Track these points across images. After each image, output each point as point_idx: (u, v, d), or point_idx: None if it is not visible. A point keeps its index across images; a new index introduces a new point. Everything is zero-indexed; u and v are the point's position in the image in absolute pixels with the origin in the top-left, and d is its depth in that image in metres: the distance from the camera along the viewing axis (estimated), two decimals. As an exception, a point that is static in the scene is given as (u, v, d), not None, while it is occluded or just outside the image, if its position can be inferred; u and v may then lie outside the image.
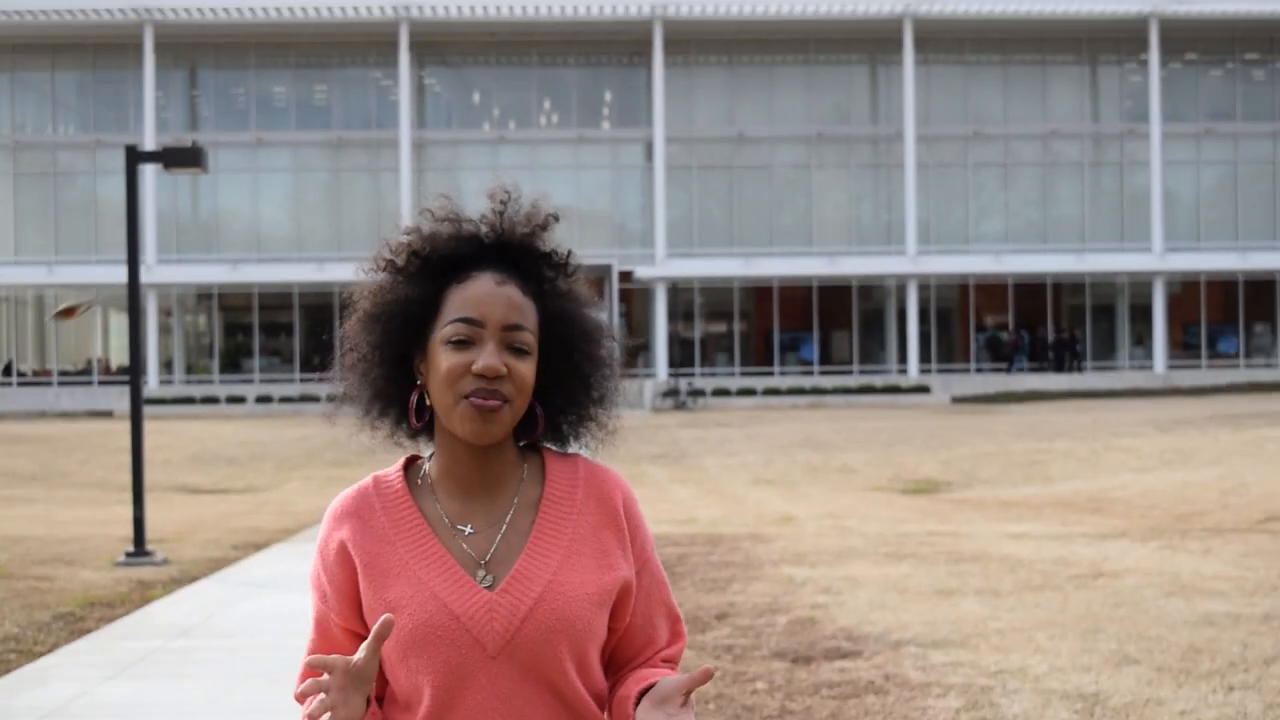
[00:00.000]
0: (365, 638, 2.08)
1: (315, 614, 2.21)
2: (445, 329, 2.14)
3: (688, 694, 2.06)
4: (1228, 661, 7.78)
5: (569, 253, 2.27)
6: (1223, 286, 52.60)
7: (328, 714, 2.00)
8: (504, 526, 2.17)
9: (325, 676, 2.01)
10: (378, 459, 2.29)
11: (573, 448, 2.33)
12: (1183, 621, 9.04)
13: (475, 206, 2.29)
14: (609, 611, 2.19)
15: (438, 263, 2.18)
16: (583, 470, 2.28)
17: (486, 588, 2.11)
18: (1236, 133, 52.95)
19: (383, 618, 2.00)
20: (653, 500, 19.57)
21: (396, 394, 2.21)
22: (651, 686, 2.12)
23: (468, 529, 2.16)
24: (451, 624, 2.07)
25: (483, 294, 2.14)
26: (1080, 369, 50.70)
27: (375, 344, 2.18)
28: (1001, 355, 52.08)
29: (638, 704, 2.12)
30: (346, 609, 2.17)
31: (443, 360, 2.12)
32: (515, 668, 2.09)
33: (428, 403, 2.19)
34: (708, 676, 2.03)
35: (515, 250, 2.22)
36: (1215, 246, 52.08)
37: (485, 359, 2.10)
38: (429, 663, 2.07)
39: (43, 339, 53.99)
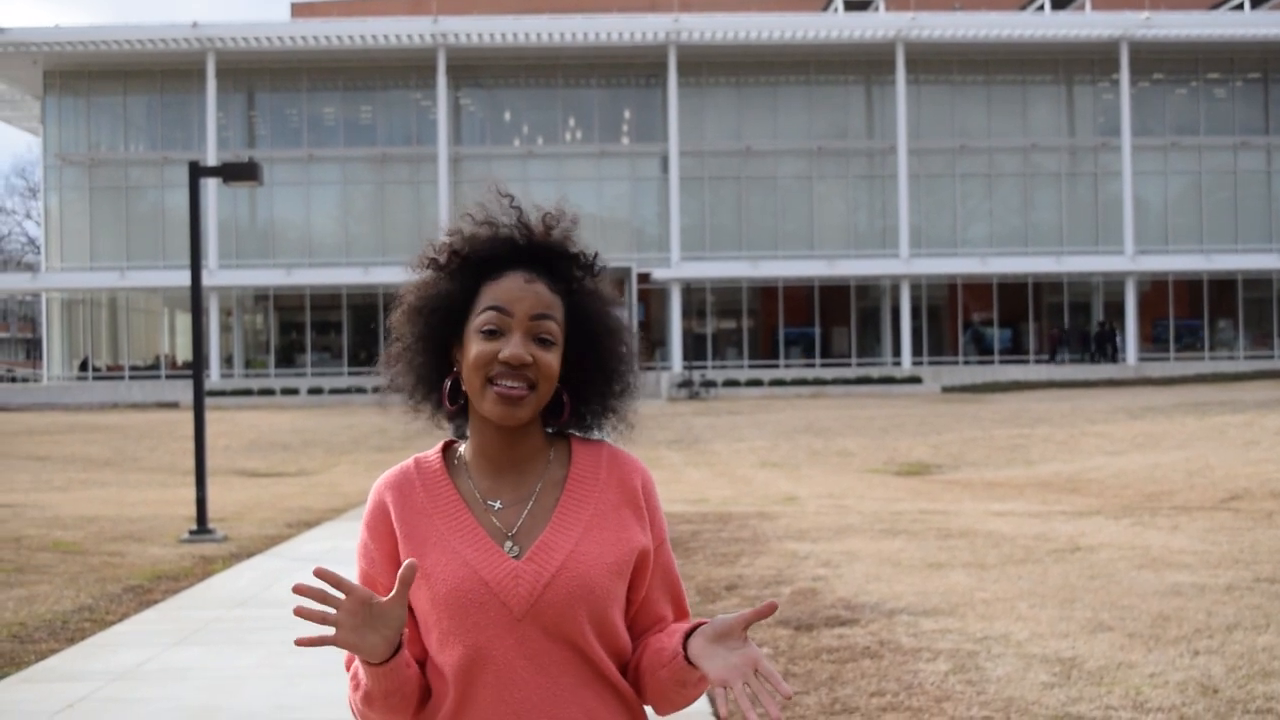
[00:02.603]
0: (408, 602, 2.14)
1: (360, 578, 2.21)
2: (478, 318, 2.15)
3: (747, 627, 2.03)
4: (1193, 628, 7.73)
5: (595, 254, 2.28)
6: (1189, 286, 52.42)
7: (333, 631, 2.02)
8: (530, 503, 2.18)
9: (336, 594, 2.02)
10: (418, 444, 2.32)
11: (595, 435, 2.31)
12: (1152, 592, 8.99)
13: (508, 215, 2.29)
14: (627, 580, 2.19)
15: (476, 261, 2.19)
16: (606, 454, 2.27)
17: (514, 557, 2.11)
18: (1200, 145, 52.76)
19: (406, 562, 2.00)
20: (668, 482, 19.55)
21: (437, 381, 2.22)
22: (697, 627, 2.10)
23: (497, 504, 2.17)
24: (481, 589, 2.08)
25: (513, 288, 2.16)
26: (1118, 360, 50.37)
27: (418, 334, 2.20)
28: (987, 349, 51.94)
29: (687, 642, 2.09)
30: (391, 571, 2.16)
31: (474, 347, 2.14)
32: (540, 630, 2.09)
33: (462, 387, 2.20)
34: (772, 609, 1.98)
35: (545, 251, 2.23)
36: (1182, 249, 51.90)
37: (511, 348, 2.11)
38: (461, 624, 2.08)
39: (116, 337, 54.17)
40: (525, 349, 2.12)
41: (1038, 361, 51.22)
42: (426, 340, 2.20)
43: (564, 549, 2.12)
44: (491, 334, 2.13)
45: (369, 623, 2.02)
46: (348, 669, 2.19)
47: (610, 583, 2.13)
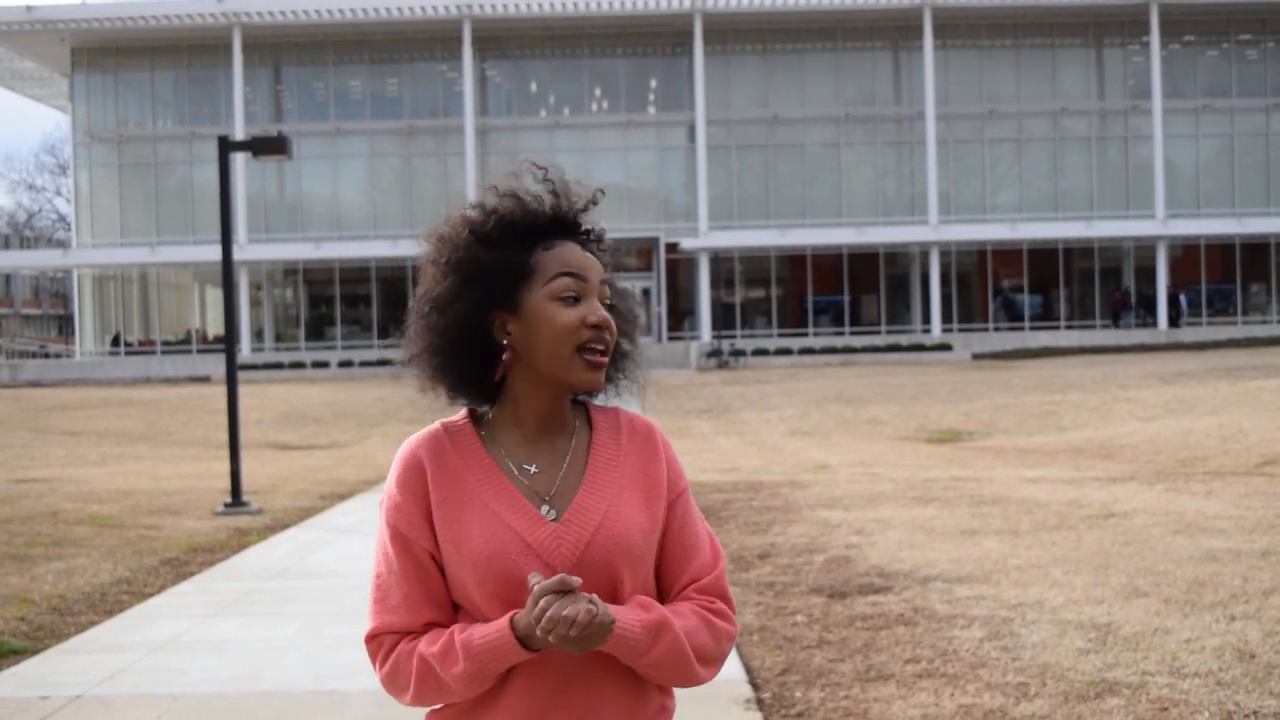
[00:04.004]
0: (440, 561, 2.16)
1: (390, 537, 2.19)
2: (553, 284, 2.15)
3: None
4: (1229, 594, 7.70)
5: (603, 230, 2.32)
6: (1221, 250, 52.06)
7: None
8: (563, 467, 2.20)
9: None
10: (450, 415, 2.29)
11: (621, 392, 2.33)
12: (1187, 557, 8.95)
13: (539, 187, 2.29)
14: (659, 537, 2.22)
15: (521, 230, 2.19)
16: (624, 418, 2.30)
17: (551, 520, 2.14)
18: (1232, 108, 52.30)
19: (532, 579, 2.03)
20: (698, 451, 19.55)
21: (473, 354, 2.20)
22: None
23: (532, 469, 2.19)
24: (524, 550, 2.10)
25: (578, 255, 2.19)
26: (1182, 324, 50.04)
27: (468, 307, 2.17)
28: (1017, 315, 51.73)
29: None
30: (427, 530, 2.17)
31: (556, 314, 2.14)
32: (580, 588, 2.09)
33: (507, 359, 2.19)
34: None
35: (572, 224, 2.25)
36: (1214, 213, 51.54)
37: (599, 311, 2.16)
38: (505, 585, 2.10)
39: (147, 312, 54.46)
40: (605, 313, 2.17)
41: (1068, 328, 51.00)
42: (475, 312, 2.17)
43: (599, 510, 2.16)
44: (569, 301, 2.15)
45: None
46: (382, 654, 2.16)
47: (645, 541, 2.18)
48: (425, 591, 2.17)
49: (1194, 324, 50.78)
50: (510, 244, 2.18)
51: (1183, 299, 50.45)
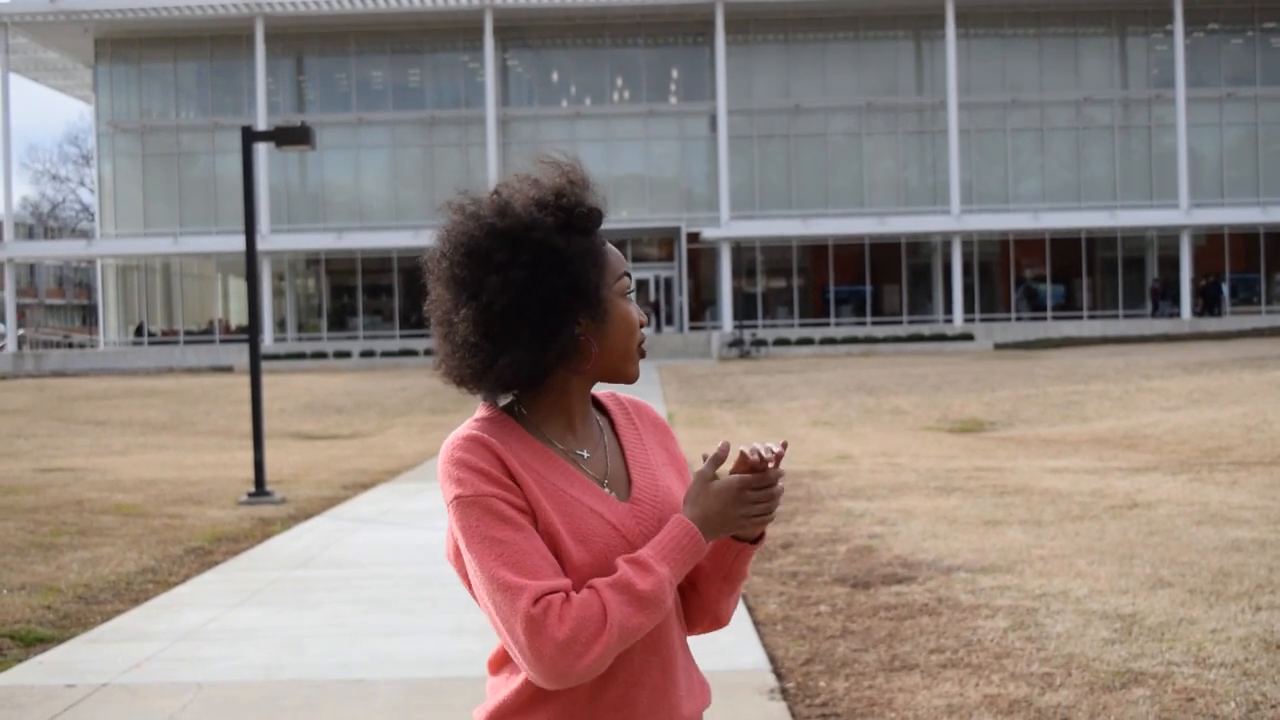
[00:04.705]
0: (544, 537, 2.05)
1: (499, 514, 2.03)
2: (620, 283, 2.17)
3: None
4: (1255, 584, 7.67)
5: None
6: (1245, 239, 51.78)
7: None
8: (604, 451, 2.23)
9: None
10: (473, 405, 2.25)
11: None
12: (1212, 548, 8.92)
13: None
14: None
15: (595, 223, 2.17)
16: (625, 399, 2.35)
17: (618, 500, 2.17)
18: (1256, 96, 52.00)
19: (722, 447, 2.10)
20: (719, 441, 19.52)
21: (550, 345, 2.10)
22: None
23: (584, 454, 2.20)
24: (610, 531, 2.11)
25: (618, 253, 2.21)
26: (1221, 314, 49.81)
27: (549, 294, 2.08)
28: (1040, 305, 51.57)
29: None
30: (527, 503, 2.07)
31: (629, 313, 2.17)
32: None
33: (595, 351, 2.15)
34: (725, 448, 2.12)
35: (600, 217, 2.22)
36: (1237, 202, 51.27)
37: (641, 310, 2.21)
38: (602, 568, 2.07)
39: (170, 302, 54.68)
40: None
41: (1091, 317, 50.81)
42: (555, 302, 2.07)
43: (656, 488, 2.21)
44: (630, 297, 2.20)
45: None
46: (553, 617, 1.97)
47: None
48: (551, 556, 2.04)
49: (1233, 313, 50.40)
50: (583, 234, 2.12)
51: (1224, 288, 50.15)
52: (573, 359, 2.13)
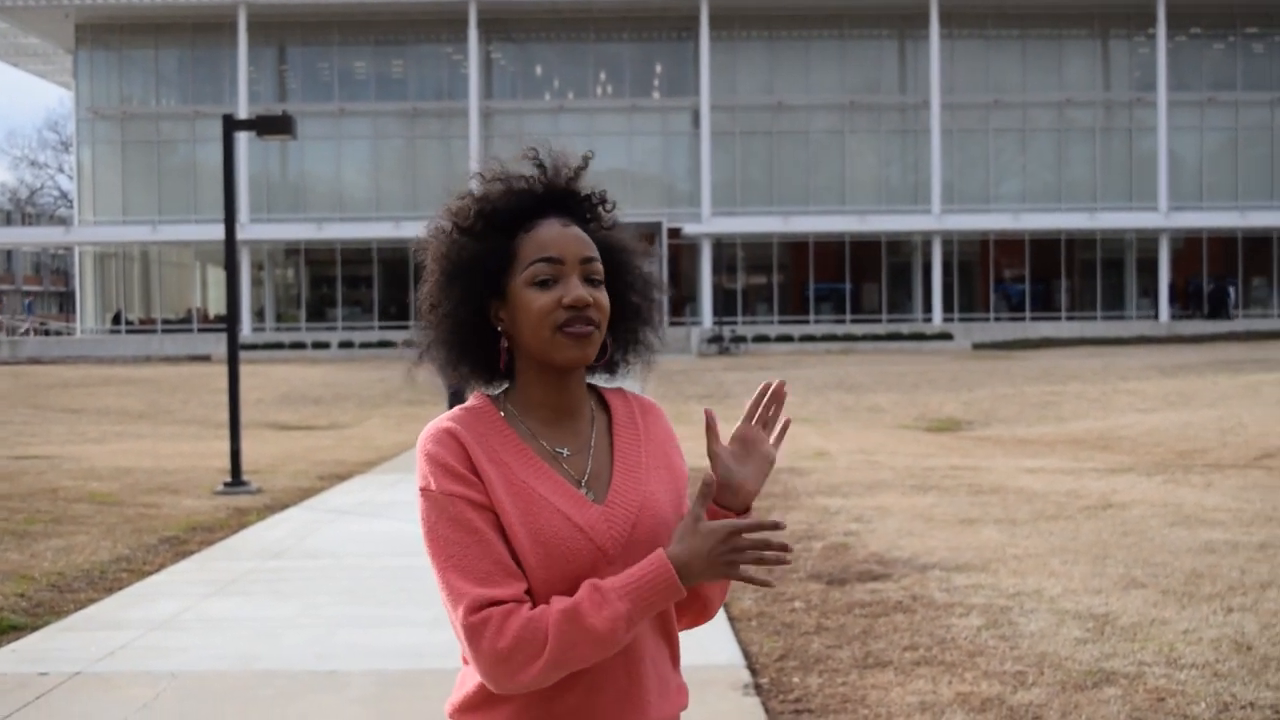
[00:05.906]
0: (505, 536, 2.05)
1: (458, 514, 2.06)
2: (527, 271, 2.14)
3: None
4: (1227, 585, 7.71)
5: (604, 191, 2.30)
6: (1223, 243, 52.02)
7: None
8: (591, 450, 2.20)
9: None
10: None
11: (622, 374, 2.32)
12: (1185, 549, 8.97)
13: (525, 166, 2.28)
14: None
15: (503, 217, 2.18)
16: (634, 400, 2.31)
17: (593, 502, 2.13)
18: (1237, 101, 52.24)
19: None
20: (698, 437, 19.51)
21: (478, 343, 2.19)
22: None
23: (565, 451, 2.17)
24: (577, 534, 2.08)
25: (555, 235, 2.16)
26: (1231, 317, 49.93)
27: (458, 300, 2.17)
28: (1018, 306, 51.73)
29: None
30: (490, 502, 2.08)
31: (531, 300, 2.12)
32: (627, 567, 2.09)
33: (503, 344, 2.19)
34: (710, 415, 2.17)
35: (565, 196, 2.23)
36: (1216, 206, 51.50)
37: (574, 291, 2.12)
38: (562, 570, 2.06)
39: (148, 290, 54.46)
40: (584, 291, 2.12)
41: (1069, 319, 50.99)
42: (466, 305, 2.17)
43: (637, 491, 2.16)
44: (544, 284, 2.13)
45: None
46: (493, 627, 1.98)
47: (675, 519, 2.18)
48: (508, 561, 2.05)
49: (1191, 316, 50.71)
50: (492, 232, 2.17)
51: (1231, 291, 50.30)
52: (494, 347, 2.20)
